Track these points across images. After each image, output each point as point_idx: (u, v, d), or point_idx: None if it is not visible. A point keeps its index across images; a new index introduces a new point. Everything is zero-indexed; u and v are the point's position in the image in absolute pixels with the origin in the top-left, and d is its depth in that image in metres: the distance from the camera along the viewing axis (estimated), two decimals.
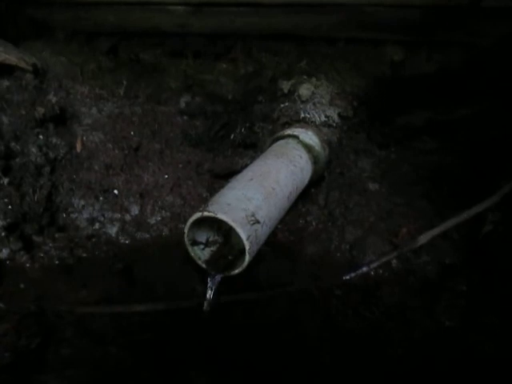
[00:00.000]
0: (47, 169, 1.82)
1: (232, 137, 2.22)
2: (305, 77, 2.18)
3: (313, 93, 2.12)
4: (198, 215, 1.40)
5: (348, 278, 1.70)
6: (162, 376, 1.39)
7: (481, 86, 2.30)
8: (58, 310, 1.48)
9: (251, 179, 1.58)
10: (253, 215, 1.43)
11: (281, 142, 1.96)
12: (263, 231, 1.48)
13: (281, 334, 1.59)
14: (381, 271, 1.75)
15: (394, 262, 1.78)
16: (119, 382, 1.33)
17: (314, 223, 1.99)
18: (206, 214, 1.38)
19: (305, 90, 2.12)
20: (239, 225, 1.35)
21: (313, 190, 2.09)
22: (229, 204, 1.42)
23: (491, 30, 2.42)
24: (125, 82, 2.29)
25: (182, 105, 2.35)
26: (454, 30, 2.45)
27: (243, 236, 1.35)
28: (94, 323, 1.47)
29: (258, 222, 1.43)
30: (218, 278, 1.47)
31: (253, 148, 2.20)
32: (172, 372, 1.42)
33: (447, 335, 1.58)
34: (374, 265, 1.72)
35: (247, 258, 1.39)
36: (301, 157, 1.86)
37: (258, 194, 1.51)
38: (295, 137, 1.96)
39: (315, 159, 1.95)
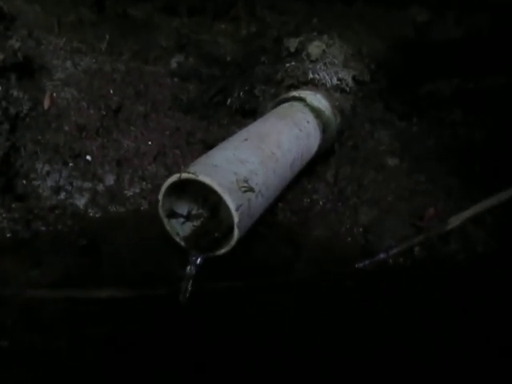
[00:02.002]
0: (6, 126, 1.53)
1: (229, 102, 1.92)
2: (315, 34, 1.87)
3: (324, 52, 1.81)
4: (174, 178, 1.10)
5: (361, 266, 1.40)
6: (124, 380, 1.09)
7: None
8: None
9: (246, 140, 1.28)
10: (245, 181, 1.13)
11: (285, 104, 1.65)
12: (258, 202, 1.18)
13: (278, 333, 1.29)
14: (401, 260, 1.45)
15: (417, 249, 1.47)
16: None
17: (321, 202, 1.70)
18: (184, 175, 1.08)
19: (315, 48, 1.81)
20: (227, 190, 1.05)
21: (320, 165, 1.78)
22: (215, 165, 1.12)
23: None
24: (108, 37, 1.98)
25: (174, 65, 2.05)
26: None
27: (231, 205, 1.06)
28: (44, 310, 1.18)
29: (251, 189, 1.13)
30: (200, 259, 1.17)
31: (252, 115, 1.90)
32: (138, 375, 1.12)
33: (483, 340, 1.27)
34: (394, 251, 1.42)
35: (236, 233, 1.09)
36: (308, 121, 1.56)
37: (254, 157, 1.21)
38: (302, 99, 1.65)
39: (324, 126, 1.64)
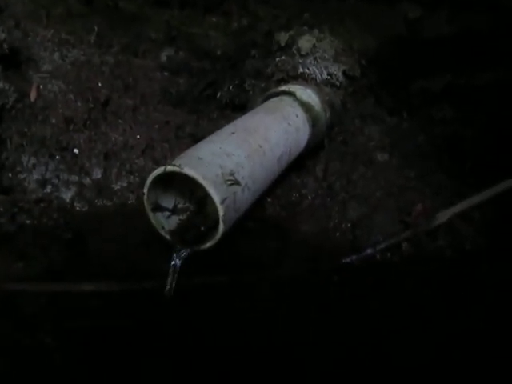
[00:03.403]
0: None
1: (219, 96, 1.91)
2: (306, 28, 1.86)
3: (314, 46, 1.80)
4: (159, 170, 1.09)
5: (349, 261, 1.40)
6: (106, 377, 1.08)
7: (507, 48, 1.98)
8: None
9: (233, 133, 1.27)
10: (231, 174, 1.12)
11: (274, 98, 1.64)
12: (245, 196, 1.17)
13: (265, 327, 1.28)
14: (389, 255, 1.45)
15: (405, 244, 1.47)
16: (47, 382, 1.03)
17: (309, 197, 1.69)
18: (169, 168, 1.07)
19: (305, 43, 1.80)
20: (211, 183, 1.04)
21: (309, 160, 1.77)
22: (201, 158, 1.11)
23: None
24: (97, 29, 1.96)
25: (163, 59, 2.03)
26: None
27: (216, 198, 1.05)
28: (26, 304, 1.17)
29: (237, 182, 1.12)
30: (185, 253, 1.16)
31: (242, 109, 1.88)
32: (121, 372, 1.11)
33: (471, 339, 1.27)
34: (381, 247, 1.42)
35: (221, 227, 1.08)
36: (297, 116, 1.55)
37: (240, 150, 1.20)
38: (291, 94, 1.64)
39: (314, 121, 1.63)
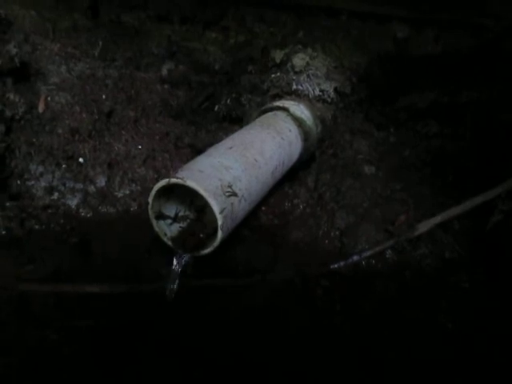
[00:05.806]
0: (1, 128, 1.60)
1: (216, 109, 2.01)
2: (300, 46, 1.97)
3: (307, 64, 1.92)
4: (164, 182, 1.19)
5: (336, 267, 1.50)
6: (109, 373, 1.17)
7: (491, 68, 2.11)
8: None
9: (231, 148, 1.37)
10: (229, 186, 1.22)
11: (269, 114, 1.75)
12: (241, 206, 1.27)
13: (256, 327, 1.38)
14: (373, 262, 1.55)
15: (389, 252, 1.58)
16: (55, 376, 1.12)
17: (301, 207, 1.79)
18: (173, 180, 1.16)
19: (299, 60, 1.91)
20: (212, 195, 1.14)
21: (301, 171, 1.88)
22: (202, 171, 1.21)
23: (506, 12, 2.25)
24: (101, 43, 2.06)
25: (164, 72, 2.13)
26: (465, 9, 2.27)
27: (215, 208, 1.15)
28: (36, 303, 1.26)
29: (235, 194, 1.22)
30: (186, 258, 1.26)
31: (239, 122, 1.99)
32: (123, 369, 1.20)
33: (448, 340, 1.38)
34: (366, 254, 1.52)
35: (220, 234, 1.18)
36: (290, 130, 1.65)
37: (238, 164, 1.30)
38: (285, 109, 1.75)
39: (306, 135, 1.74)
